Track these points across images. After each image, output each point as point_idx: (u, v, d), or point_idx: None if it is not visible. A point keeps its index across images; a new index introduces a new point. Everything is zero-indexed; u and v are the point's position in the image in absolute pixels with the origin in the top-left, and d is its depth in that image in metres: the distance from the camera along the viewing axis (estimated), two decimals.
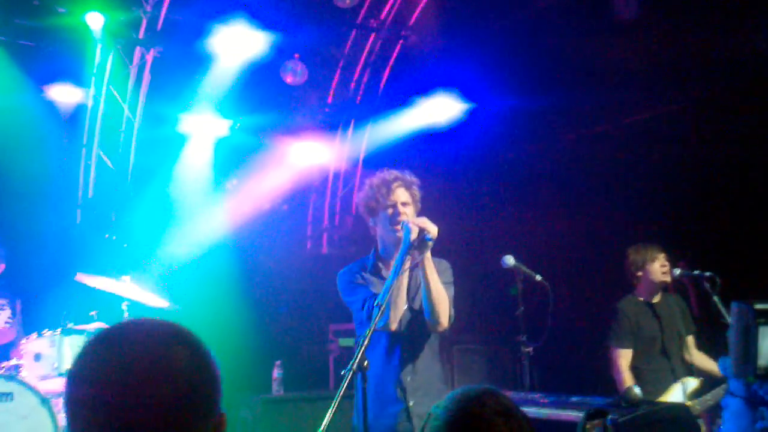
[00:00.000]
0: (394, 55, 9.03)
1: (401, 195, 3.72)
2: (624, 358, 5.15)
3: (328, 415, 2.94)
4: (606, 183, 7.27)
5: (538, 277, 4.70)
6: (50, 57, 7.33)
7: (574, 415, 3.51)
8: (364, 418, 3.60)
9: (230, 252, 7.74)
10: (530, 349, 4.58)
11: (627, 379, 5.04)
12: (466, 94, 8.20)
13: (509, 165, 7.82)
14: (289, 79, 8.17)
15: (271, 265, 8.08)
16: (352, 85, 9.06)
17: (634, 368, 5.15)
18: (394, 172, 3.79)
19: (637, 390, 3.56)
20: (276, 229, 8.33)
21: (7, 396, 5.07)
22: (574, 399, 3.85)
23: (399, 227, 3.63)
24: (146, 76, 7.84)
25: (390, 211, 3.70)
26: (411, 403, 3.58)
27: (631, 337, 5.17)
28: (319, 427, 2.90)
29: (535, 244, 6.58)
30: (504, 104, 7.63)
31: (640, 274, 5.30)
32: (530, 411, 3.71)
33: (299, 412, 5.48)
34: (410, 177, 3.81)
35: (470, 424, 1.96)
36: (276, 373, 6.84)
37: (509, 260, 4.71)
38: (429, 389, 3.58)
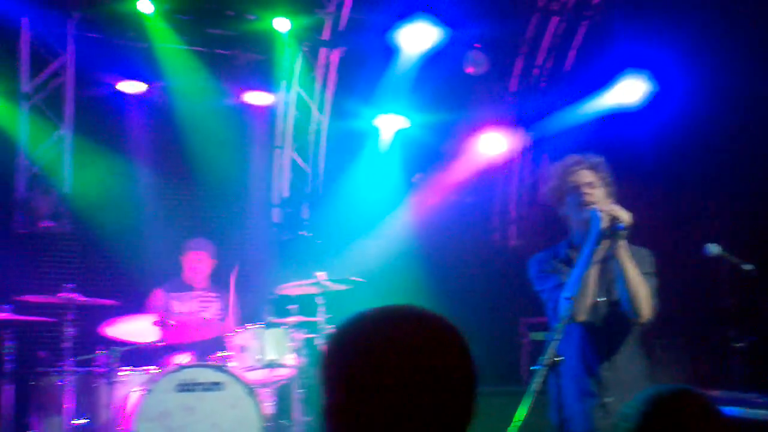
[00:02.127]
0: (578, 37, 8.71)
1: (585, 176, 3.54)
2: None
3: (521, 411, 2.88)
4: None
5: (747, 267, 4.35)
6: (243, 63, 7.74)
7: None
8: (558, 415, 3.49)
9: (418, 246, 7.81)
10: (742, 344, 4.25)
11: None
12: (655, 74, 7.75)
13: (705, 147, 7.30)
14: (470, 70, 8.10)
15: (458, 258, 8.06)
16: (536, 71, 8.84)
17: None
18: (576, 156, 3.64)
19: None
20: (462, 222, 8.31)
21: (217, 385, 5.41)
22: None
23: (589, 209, 3.46)
24: (332, 75, 8.10)
25: (575, 194, 3.54)
26: (610, 399, 3.41)
27: None
28: (511, 422, 2.85)
29: (742, 230, 6.09)
30: (696, 83, 7.13)
31: None
32: (742, 412, 3.44)
33: (490, 407, 5.41)
34: (594, 158, 3.64)
35: (665, 428, 1.80)
36: None
37: (714, 248, 4.41)
38: (631, 385, 3.38)
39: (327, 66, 8.09)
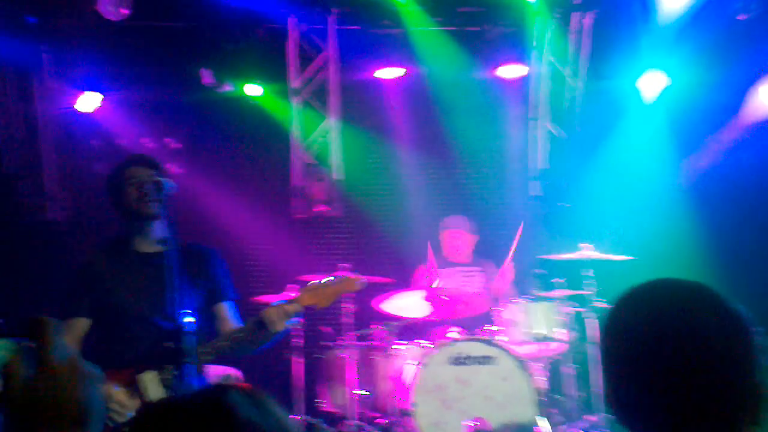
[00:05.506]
0: None
1: None
2: None
3: None
4: None
5: None
6: (494, 37, 7.71)
7: None
8: None
9: (692, 212, 7.29)
10: None
11: None
12: None
13: None
14: (742, 17, 7.38)
15: (740, 225, 7.39)
16: None
17: None
18: None
19: None
20: (742, 185, 7.59)
21: (489, 359, 5.47)
22: None
23: None
24: (586, 40, 7.79)
25: None
26: None
27: None
28: None
29: None
30: None
31: None
32: None
33: None
34: None
35: None
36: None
37: None
38: None
39: (580, 31, 7.79)
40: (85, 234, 6.63)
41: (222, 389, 1.10)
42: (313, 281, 3.81)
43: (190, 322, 3.36)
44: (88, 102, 7.15)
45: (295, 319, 3.67)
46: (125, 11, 6.77)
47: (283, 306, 3.62)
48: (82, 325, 3.70)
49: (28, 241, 6.83)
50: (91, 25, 6.96)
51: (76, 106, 7.14)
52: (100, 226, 3.95)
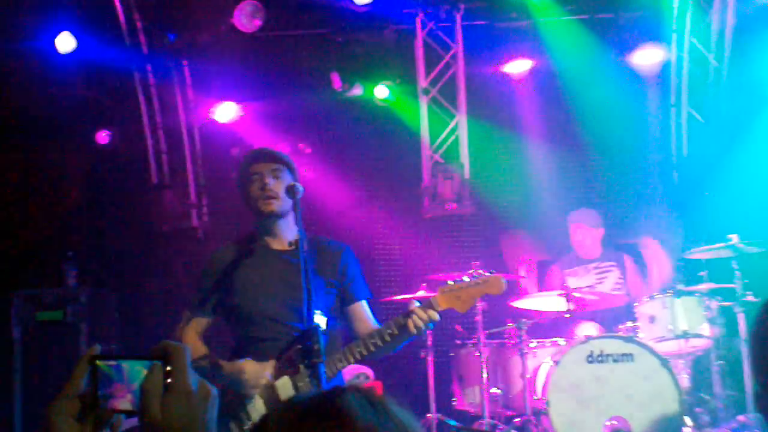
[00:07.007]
0: None
1: None
2: None
3: None
4: None
5: None
6: (627, 22, 7.39)
7: None
8: None
9: None
10: None
11: None
12: None
13: None
14: None
15: None
16: None
17: None
18: None
19: None
20: None
21: (627, 357, 5.24)
22: None
23: None
24: (730, 18, 7.29)
25: None
26: None
27: None
28: None
29: None
30: None
31: None
32: None
33: None
34: None
35: None
36: None
37: None
38: None
39: (723, 8, 7.30)
40: (224, 240, 6.91)
41: (339, 392, 1.09)
42: (450, 282, 3.43)
43: (321, 322, 3.18)
44: (226, 112, 7.47)
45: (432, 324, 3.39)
46: (258, 23, 7.03)
47: (424, 312, 3.32)
48: (201, 323, 3.64)
49: (171, 247, 7.20)
50: (227, 37, 7.28)
51: (215, 117, 7.48)
52: (238, 233, 3.81)
